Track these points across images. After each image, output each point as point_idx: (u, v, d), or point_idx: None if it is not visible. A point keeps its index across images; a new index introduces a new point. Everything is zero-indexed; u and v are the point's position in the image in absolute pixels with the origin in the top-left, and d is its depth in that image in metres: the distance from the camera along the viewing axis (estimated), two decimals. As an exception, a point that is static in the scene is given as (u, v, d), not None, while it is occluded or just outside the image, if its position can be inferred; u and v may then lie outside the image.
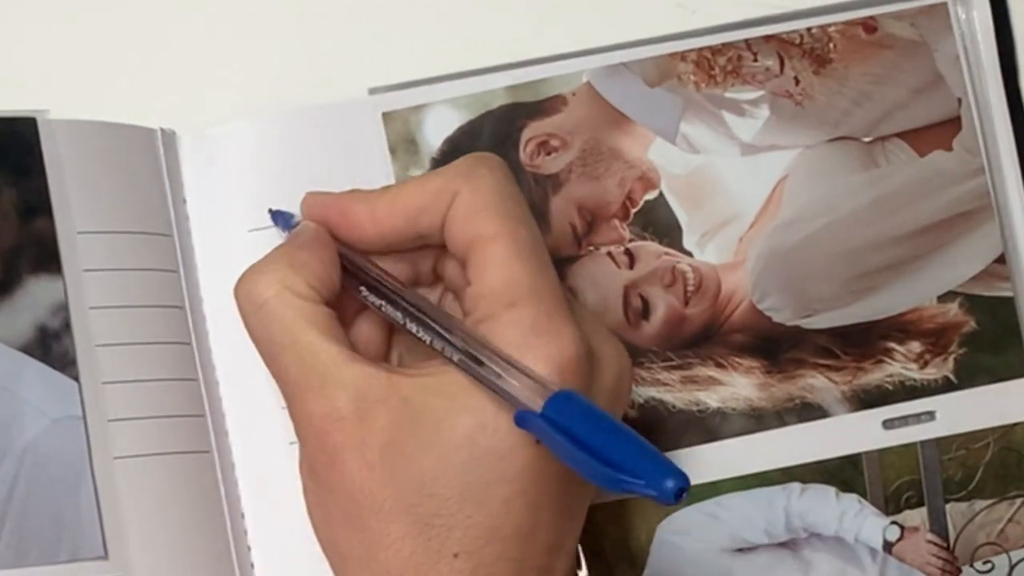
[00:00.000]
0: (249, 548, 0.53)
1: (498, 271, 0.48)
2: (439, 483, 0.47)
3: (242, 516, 0.53)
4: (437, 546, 0.47)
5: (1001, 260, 0.56)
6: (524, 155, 0.56)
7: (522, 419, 0.46)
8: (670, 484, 0.43)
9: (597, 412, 0.46)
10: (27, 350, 0.52)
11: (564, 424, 0.45)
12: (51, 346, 0.52)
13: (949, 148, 0.57)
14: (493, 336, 0.47)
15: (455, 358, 0.47)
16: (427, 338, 0.48)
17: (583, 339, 0.48)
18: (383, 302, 0.49)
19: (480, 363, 0.47)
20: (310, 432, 0.48)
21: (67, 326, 0.53)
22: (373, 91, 0.56)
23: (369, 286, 0.49)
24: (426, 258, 0.51)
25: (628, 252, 0.56)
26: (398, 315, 0.48)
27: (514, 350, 0.47)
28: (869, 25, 0.57)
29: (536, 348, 0.47)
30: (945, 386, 0.56)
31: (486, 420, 0.47)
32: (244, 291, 0.49)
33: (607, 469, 0.44)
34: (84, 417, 0.52)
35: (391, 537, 0.47)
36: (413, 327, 0.48)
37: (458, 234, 0.48)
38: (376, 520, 0.47)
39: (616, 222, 0.56)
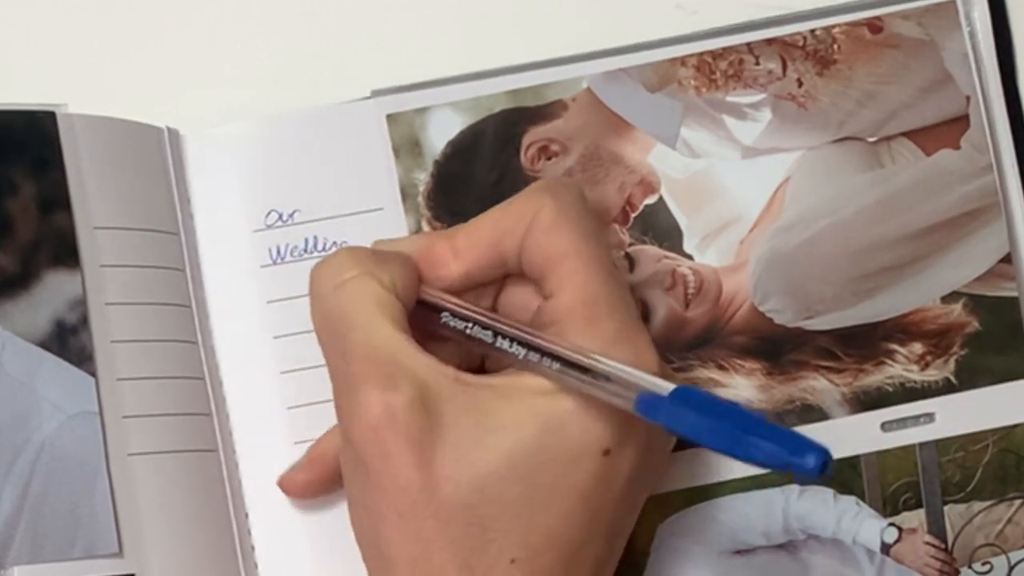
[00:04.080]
0: (253, 547, 0.59)
1: (579, 286, 0.52)
2: (502, 486, 0.50)
3: (246, 515, 0.59)
4: (494, 550, 0.50)
5: (1007, 260, 0.61)
6: (525, 159, 0.61)
7: (649, 405, 0.49)
8: (811, 459, 0.46)
9: (719, 400, 0.49)
10: (45, 345, 0.56)
11: (694, 407, 0.48)
12: (68, 341, 0.56)
13: (957, 146, 0.61)
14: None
15: (554, 368, 0.51)
16: (520, 352, 0.52)
17: (656, 354, 0.53)
18: (468, 324, 0.53)
19: (585, 370, 0.51)
20: (365, 424, 0.51)
21: (84, 321, 0.57)
22: (377, 93, 0.61)
23: (452, 312, 0.54)
24: (487, 295, 0.56)
25: (628, 256, 0.61)
26: (487, 334, 0.53)
27: None
28: (874, 25, 0.62)
29: (618, 359, 0.51)
30: (945, 387, 0.61)
31: (556, 426, 0.51)
32: (325, 269, 0.53)
33: (753, 438, 0.47)
34: (100, 413, 0.56)
35: (447, 538, 0.50)
36: (505, 343, 0.52)
37: (537, 248, 0.53)
38: (433, 521, 0.50)
39: (616, 226, 0.61)
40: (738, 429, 0.47)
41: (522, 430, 0.51)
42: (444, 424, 0.51)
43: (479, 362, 0.56)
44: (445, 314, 0.54)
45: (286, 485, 0.59)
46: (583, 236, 0.54)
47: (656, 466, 0.55)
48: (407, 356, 0.52)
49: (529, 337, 0.52)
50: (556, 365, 0.51)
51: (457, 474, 0.51)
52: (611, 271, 0.54)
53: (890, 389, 0.61)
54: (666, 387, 0.50)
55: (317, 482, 0.58)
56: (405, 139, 0.62)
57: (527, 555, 0.51)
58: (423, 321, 0.55)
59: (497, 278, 0.56)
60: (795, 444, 0.46)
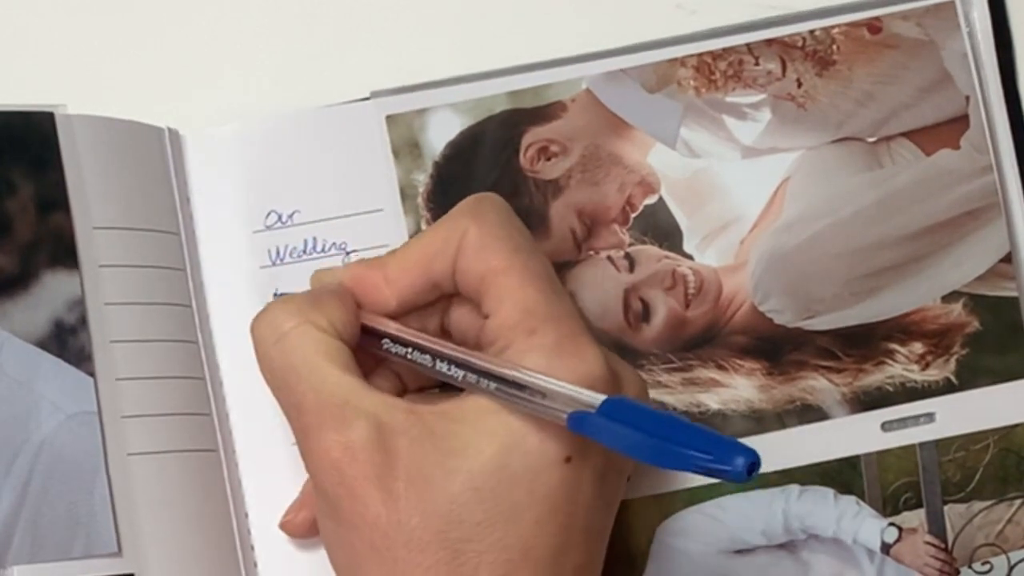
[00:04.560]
0: (252, 547, 0.60)
1: (515, 301, 0.53)
2: (469, 508, 0.51)
3: (246, 515, 0.60)
4: (470, 572, 0.51)
5: (1007, 259, 0.62)
6: (524, 160, 0.62)
7: (577, 421, 0.50)
8: (740, 461, 0.46)
9: (651, 409, 0.50)
10: (44, 345, 0.57)
11: (623, 419, 0.49)
12: (67, 341, 0.57)
13: (956, 146, 0.62)
14: (518, 363, 0.52)
15: (492, 388, 0.52)
16: (459, 374, 0.53)
17: (605, 358, 0.53)
18: (408, 349, 0.54)
19: (520, 387, 0.51)
20: (328, 466, 0.52)
21: (83, 321, 0.57)
22: (376, 94, 0.62)
23: (392, 338, 0.55)
24: (433, 315, 0.56)
25: (628, 256, 0.62)
26: (426, 358, 0.54)
27: (541, 374, 0.51)
28: (873, 26, 0.62)
29: (562, 370, 0.51)
30: (946, 387, 0.61)
31: (514, 442, 0.51)
32: (264, 321, 0.54)
33: (678, 448, 0.47)
34: (99, 413, 0.57)
35: (423, 567, 0.51)
36: (444, 366, 0.53)
37: (469, 270, 0.54)
38: (406, 550, 0.51)
39: (616, 226, 0.62)
40: (665, 440, 0.48)
41: (481, 451, 0.52)
42: (403, 456, 0.52)
43: (437, 381, 0.56)
44: (386, 340, 0.55)
45: (290, 528, 0.60)
46: (513, 251, 0.54)
47: (624, 464, 0.56)
48: (357, 396, 0.52)
49: (465, 358, 0.53)
50: (493, 385, 0.52)
51: (422, 504, 0.51)
52: (547, 281, 0.54)
53: (890, 389, 0.62)
54: (595, 400, 0.50)
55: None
56: (404, 140, 0.62)
57: (504, 572, 0.51)
58: (370, 346, 0.55)
59: (434, 300, 0.56)
60: (723, 449, 0.47)
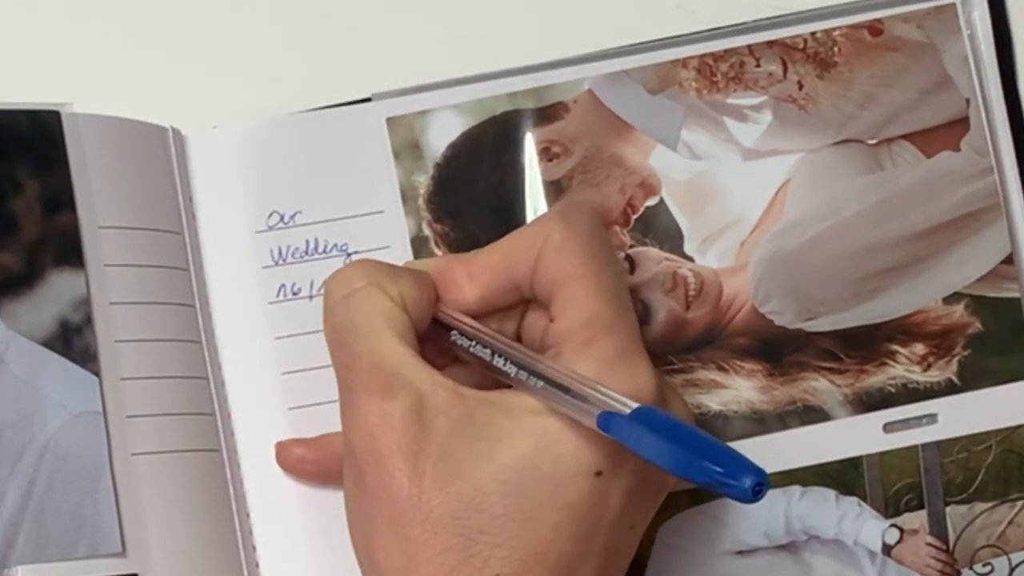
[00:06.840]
0: (255, 547, 0.60)
1: (580, 309, 0.54)
2: (491, 499, 0.52)
3: (248, 515, 0.61)
4: (480, 564, 0.52)
5: (1008, 261, 0.63)
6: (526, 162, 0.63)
7: (606, 421, 0.51)
8: (748, 481, 0.48)
9: (678, 422, 0.51)
10: (49, 344, 0.57)
11: (649, 425, 0.50)
12: (73, 340, 0.58)
13: (957, 149, 0.63)
14: (571, 369, 0.53)
15: (539, 386, 0.53)
16: (512, 370, 0.54)
17: (656, 377, 0.54)
18: (472, 343, 0.55)
19: (566, 390, 0.52)
20: (363, 431, 0.53)
21: (89, 320, 0.58)
22: (377, 95, 0.63)
23: (460, 331, 0.56)
24: (511, 319, 0.58)
25: (629, 258, 0.63)
26: (486, 352, 0.55)
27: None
28: (875, 28, 0.63)
29: (612, 382, 0.52)
30: (948, 388, 0.62)
31: (548, 444, 0.52)
32: (338, 277, 0.56)
33: (691, 456, 0.49)
34: (104, 412, 0.58)
35: (434, 549, 0.52)
36: (500, 361, 0.54)
37: (546, 272, 0.55)
38: (421, 530, 0.52)
39: (616, 228, 0.63)
40: (686, 450, 0.49)
41: (515, 446, 0.53)
42: (438, 435, 0.53)
43: (501, 387, 0.57)
44: (454, 333, 0.56)
45: (281, 454, 0.61)
46: (589, 258, 0.55)
47: (654, 489, 0.57)
48: (407, 367, 0.53)
49: (516, 354, 0.54)
50: (540, 383, 0.53)
51: (447, 485, 0.52)
52: (615, 294, 0.55)
53: (892, 390, 0.63)
54: (628, 406, 0.51)
55: (311, 462, 0.60)
56: (405, 142, 0.63)
57: (514, 571, 0.52)
58: (440, 340, 0.57)
59: (514, 303, 0.57)
60: (734, 467, 0.49)
